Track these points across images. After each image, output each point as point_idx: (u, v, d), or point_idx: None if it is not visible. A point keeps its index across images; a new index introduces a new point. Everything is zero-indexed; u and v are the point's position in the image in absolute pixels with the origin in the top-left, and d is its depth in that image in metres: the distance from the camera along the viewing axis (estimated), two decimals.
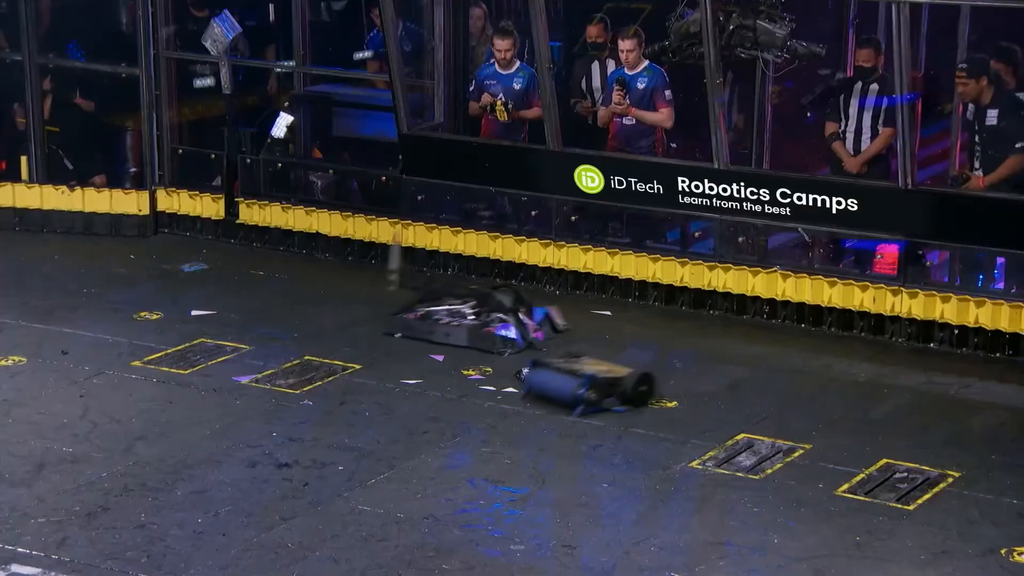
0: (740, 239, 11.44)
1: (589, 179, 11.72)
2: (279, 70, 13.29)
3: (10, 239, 12.77)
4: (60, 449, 8.82)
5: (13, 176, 13.20)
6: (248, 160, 12.96)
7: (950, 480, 8.67)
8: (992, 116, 10.68)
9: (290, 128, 12.96)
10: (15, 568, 7.48)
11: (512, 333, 10.60)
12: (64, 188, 13.05)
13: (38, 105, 13.07)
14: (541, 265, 12.06)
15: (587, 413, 9.47)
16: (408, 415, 9.56)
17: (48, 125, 13.15)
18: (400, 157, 12.49)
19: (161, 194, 13.17)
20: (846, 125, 11.31)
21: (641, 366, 9.97)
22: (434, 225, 12.35)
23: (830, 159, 11.50)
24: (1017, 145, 10.61)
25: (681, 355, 10.75)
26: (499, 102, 12.02)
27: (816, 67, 11.63)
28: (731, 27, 11.00)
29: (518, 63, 12.10)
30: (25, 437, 8.93)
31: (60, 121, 13.23)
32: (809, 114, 11.81)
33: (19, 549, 7.66)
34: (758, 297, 11.36)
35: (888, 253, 11.06)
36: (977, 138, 10.78)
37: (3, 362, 10.11)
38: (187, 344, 10.56)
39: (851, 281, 11.04)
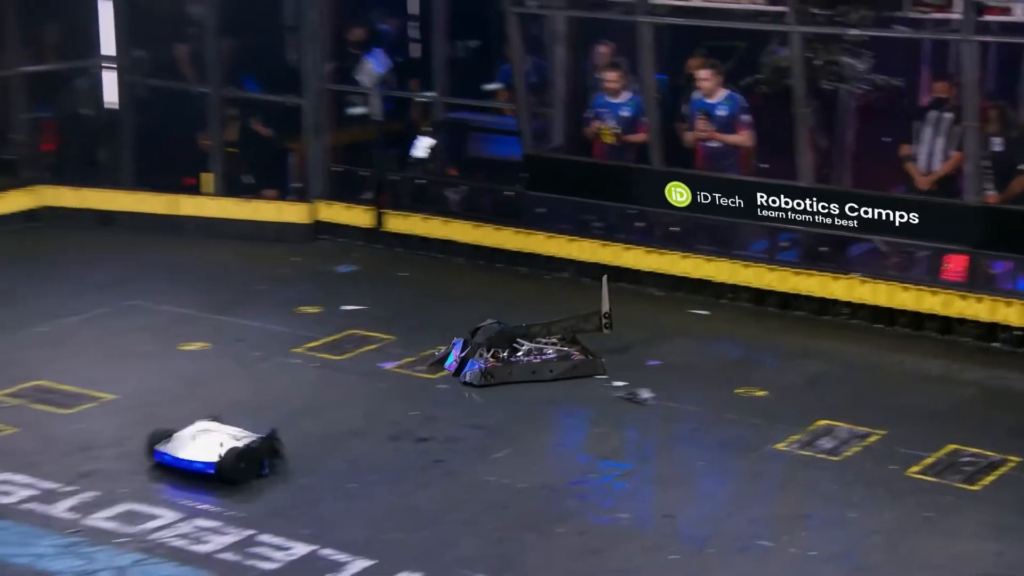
0: (821, 248, 11.21)
1: (678, 194, 11.58)
2: (421, 100, 13.32)
3: (195, 244, 12.94)
4: (236, 422, 8.89)
5: (198, 190, 13.39)
6: (394, 177, 13.01)
7: (1011, 464, 8.37)
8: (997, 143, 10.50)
9: (430, 149, 12.99)
10: (197, 521, 7.56)
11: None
12: (240, 200, 13.20)
13: (220, 130, 13.25)
14: (644, 269, 11.92)
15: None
16: (528, 398, 9.48)
17: (227, 147, 13.32)
18: (524, 175, 12.45)
19: (320, 206, 13.27)
20: (919, 148, 11.00)
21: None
22: (552, 234, 12.28)
23: (903, 177, 11.20)
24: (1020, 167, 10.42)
25: (769, 350, 10.55)
26: (607, 127, 11.95)
27: (894, 97, 11.34)
28: (818, 62, 10.80)
29: (627, 93, 11.98)
30: (207, 411, 9.01)
31: (239, 144, 13.41)
32: (886, 138, 11.54)
33: (200, 506, 7.73)
34: (838, 300, 11.11)
35: (956, 262, 10.75)
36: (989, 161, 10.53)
37: (190, 347, 10.23)
38: (340, 334, 10.60)
39: (923, 287, 10.75)
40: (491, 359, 9.56)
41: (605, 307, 9.81)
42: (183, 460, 7.99)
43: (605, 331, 9.83)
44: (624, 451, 8.76)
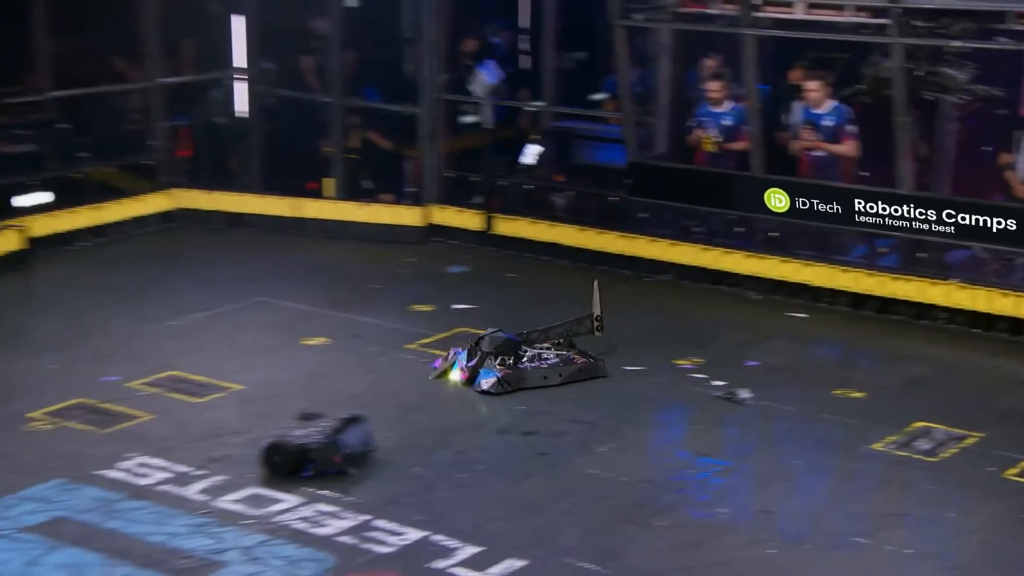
0: (920, 254, 10.98)
1: (777, 200, 11.44)
2: (530, 109, 13.36)
3: (317, 244, 13.13)
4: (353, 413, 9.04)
5: (319, 194, 13.61)
6: (503, 183, 13.07)
7: None
8: None
9: (538, 156, 13.02)
10: (318, 506, 7.66)
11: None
12: (359, 204, 13.38)
13: (342, 137, 13.45)
14: (743, 273, 11.79)
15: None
16: (631, 395, 9.46)
17: (348, 153, 13.52)
18: (627, 181, 12.41)
19: (434, 209, 13.38)
20: (1019, 157, 10.70)
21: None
22: (654, 238, 12.22)
23: (1002, 185, 10.91)
24: None
25: (866, 353, 10.36)
26: (708, 136, 11.86)
27: (994, 107, 11.06)
28: (919, 73, 10.58)
29: (729, 103, 11.87)
30: (327, 402, 9.14)
31: (359, 150, 13.59)
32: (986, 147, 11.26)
33: (320, 491, 7.85)
34: (935, 305, 10.86)
35: None
36: None
37: (311, 342, 10.40)
38: (451, 332, 10.65)
39: (1021, 293, 10.45)
40: (501, 367, 9.40)
41: (596, 310, 9.76)
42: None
43: (597, 334, 9.76)
44: (723, 448, 8.68)
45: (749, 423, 9.04)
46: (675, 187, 12.16)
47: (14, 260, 11.84)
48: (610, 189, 12.62)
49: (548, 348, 9.73)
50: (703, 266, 11.96)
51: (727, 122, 11.89)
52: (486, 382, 9.35)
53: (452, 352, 9.67)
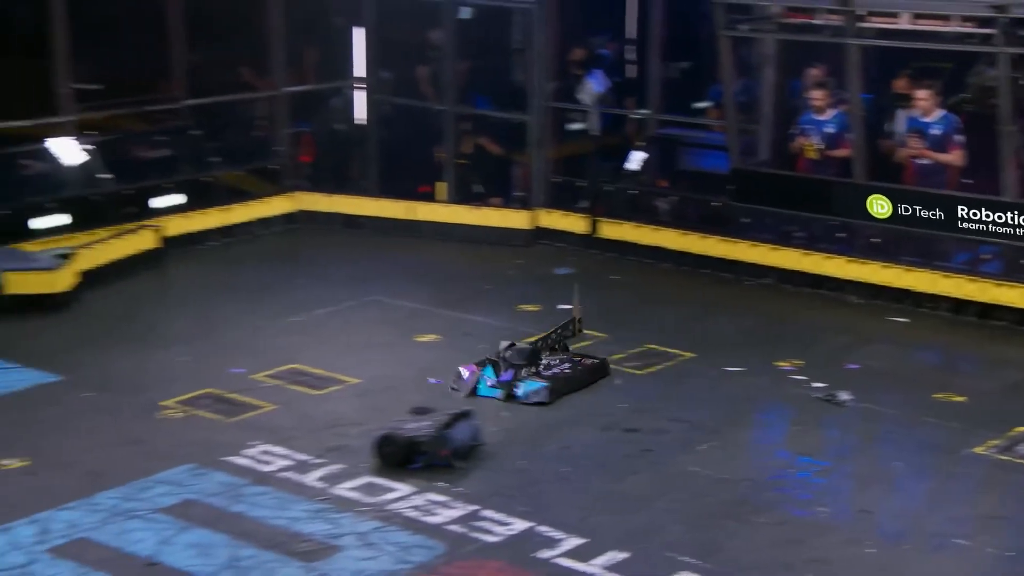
0: (1023, 261, 10.64)
1: (879, 206, 11.18)
2: (636, 117, 13.30)
3: (429, 245, 13.21)
4: (462, 407, 9.03)
5: (432, 197, 13.72)
6: (608, 188, 13.02)
7: None
8: None
9: (642, 162, 12.94)
10: (429, 495, 7.73)
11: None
12: (470, 207, 13.47)
13: (454, 143, 13.55)
14: (845, 278, 11.57)
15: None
16: (731, 395, 9.35)
17: (460, 159, 13.61)
18: (730, 187, 12.27)
19: (541, 213, 13.39)
20: None
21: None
22: (755, 243, 12.06)
23: None
24: None
25: (967, 358, 10.07)
26: (811, 143, 11.66)
27: None
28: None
29: (832, 111, 11.66)
30: (437, 397, 9.20)
31: (470, 156, 13.67)
32: None
33: (431, 482, 7.88)
34: None
35: None
36: None
37: (423, 339, 10.49)
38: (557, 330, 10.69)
39: None
40: (539, 377, 9.19)
41: (576, 313, 9.70)
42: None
43: (578, 333, 9.66)
44: (823, 449, 8.52)
45: (849, 424, 8.86)
46: (777, 193, 11.99)
47: (150, 258, 12.18)
48: (713, 194, 12.48)
49: (551, 355, 9.54)
50: (804, 270, 11.76)
51: (829, 129, 11.69)
52: (535, 394, 9.06)
53: (467, 372, 9.21)
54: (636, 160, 12.94)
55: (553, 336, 9.73)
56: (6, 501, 7.48)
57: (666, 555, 7.06)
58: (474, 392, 9.16)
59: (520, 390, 9.09)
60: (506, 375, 9.18)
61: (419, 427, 8.15)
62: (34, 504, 7.43)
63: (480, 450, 8.30)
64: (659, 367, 9.90)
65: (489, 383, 9.16)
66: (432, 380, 9.32)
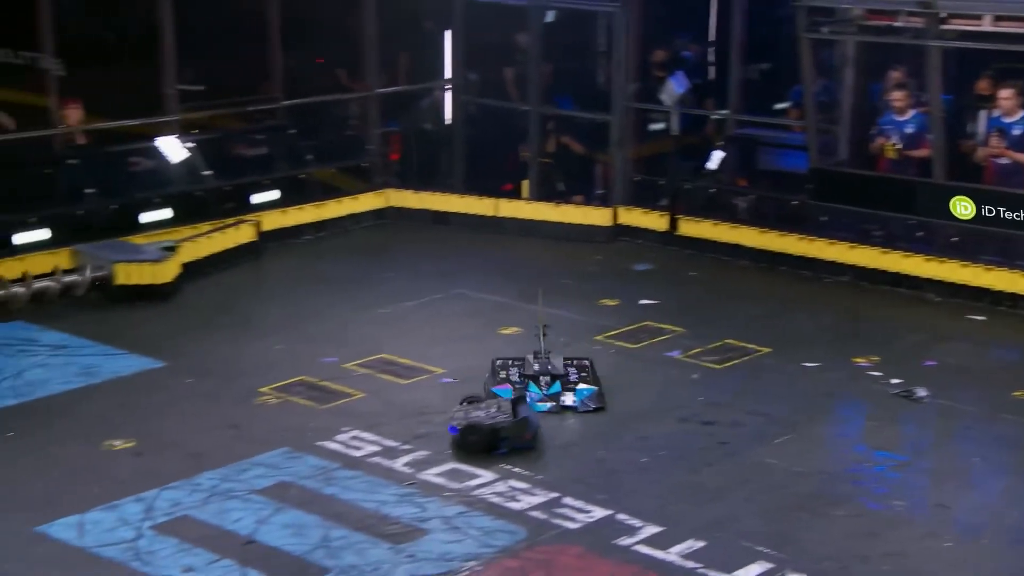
0: None
1: (963, 207, 10.93)
2: (716, 117, 13.18)
3: (513, 242, 13.22)
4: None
5: (516, 195, 13.76)
6: (688, 186, 12.93)
7: None
8: None
9: (722, 162, 12.83)
10: (511, 482, 7.74)
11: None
12: (552, 204, 13.47)
13: (538, 143, 13.56)
14: (923, 276, 11.34)
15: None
16: (808, 390, 9.22)
17: (543, 158, 13.62)
18: (809, 186, 12.11)
19: (621, 211, 13.33)
20: None
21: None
22: (833, 241, 11.88)
23: None
24: None
25: None
26: (890, 144, 11.45)
27: None
28: None
29: (912, 111, 11.43)
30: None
31: (553, 155, 13.68)
32: None
33: (514, 469, 7.91)
34: None
35: None
36: None
37: (506, 331, 10.53)
38: (635, 325, 10.61)
39: None
40: (583, 383, 8.92)
41: (542, 320, 9.37)
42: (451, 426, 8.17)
43: (545, 336, 9.25)
44: (899, 443, 8.37)
45: (926, 420, 8.69)
46: (856, 192, 11.79)
47: (248, 251, 12.41)
48: (791, 193, 12.33)
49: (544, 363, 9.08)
50: (882, 268, 11.55)
51: (909, 130, 11.48)
52: (590, 399, 8.79)
53: (501, 396, 8.61)
54: (715, 159, 12.83)
55: (543, 349, 9.18)
56: (115, 480, 7.69)
57: (742, 545, 7.00)
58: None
59: (569, 399, 8.81)
60: (551, 389, 8.83)
61: (492, 415, 8.16)
62: (140, 483, 7.63)
63: (560, 438, 8.31)
64: (736, 362, 9.81)
65: (536, 400, 8.78)
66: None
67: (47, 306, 10.76)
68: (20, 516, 7.21)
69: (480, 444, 8.08)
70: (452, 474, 7.84)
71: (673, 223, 12.92)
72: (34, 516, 7.21)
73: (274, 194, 13.01)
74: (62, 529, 7.08)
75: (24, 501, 7.40)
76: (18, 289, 10.66)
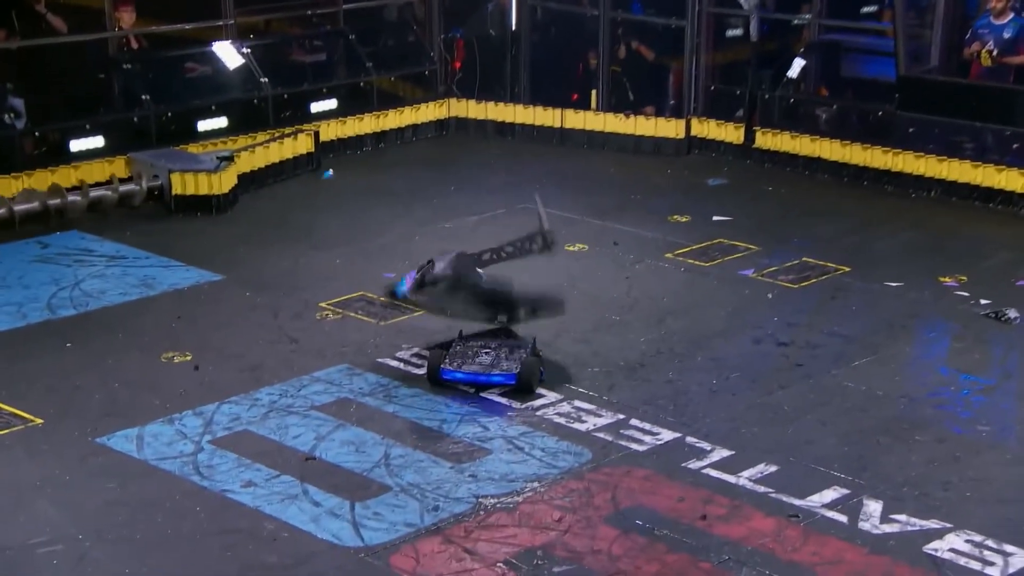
0: None
1: None
2: (797, 22, 12.83)
3: (579, 155, 13.15)
4: (610, 317, 9.08)
5: (584, 105, 13.59)
6: (766, 96, 12.67)
7: None
8: None
9: (802, 70, 12.53)
10: (577, 403, 7.79)
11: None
12: (622, 115, 13.30)
13: (608, 50, 13.34)
14: (1017, 191, 11.04)
15: None
16: (890, 310, 9.08)
17: (613, 66, 13.41)
18: (896, 95, 11.78)
19: (694, 122, 13.13)
20: None
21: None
22: (922, 154, 11.60)
23: None
24: None
25: None
26: (985, 49, 11.06)
27: None
28: None
29: (1011, 14, 11.01)
30: (586, 305, 9.25)
31: (623, 63, 13.46)
32: None
33: (579, 389, 7.96)
34: None
35: None
36: None
37: (571, 248, 10.48)
38: (708, 242, 10.50)
39: None
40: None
41: (545, 224, 8.26)
42: (480, 375, 7.83)
43: (548, 251, 8.29)
44: (986, 366, 8.22)
45: (1016, 343, 8.52)
46: (947, 102, 11.45)
47: (307, 162, 12.44)
48: (877, 103, 12.05)
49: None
50: (973, 183, 11.28)
51: (1007, 35, 11.08)
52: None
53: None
54: (796, 67, 12.53)
55: (510, 248, 8.30)
56: (173, 393, 7.84)
57: (816, 469, 6.96)
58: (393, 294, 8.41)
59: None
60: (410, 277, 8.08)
61: (511, 350, 7.86)
62: (199, 397, 7.77)
63: (628, 359, 8.25)
64: (814, 281, 9.68)
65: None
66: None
67: (102, 215, 10.92)
68: (79, 428, 7.40)
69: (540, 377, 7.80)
70: (515, 394, 7.87)
71: (750, 135, 12.71)
72: (93, 428, 7.38)
73: (332, 103, 12.98)
74: (121, 441, 7.25)
75: (83, 413, 7.58)
76: (75, 197, 10.82)
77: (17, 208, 10.57)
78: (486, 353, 8.01)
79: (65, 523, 6.45)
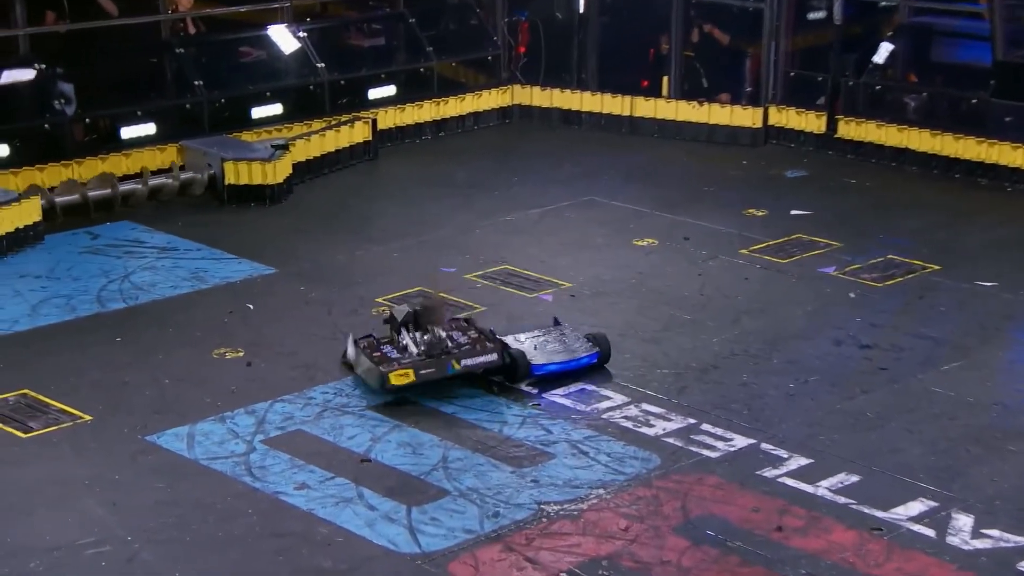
0: None
1: None
2: (885, 3, 12.67)
3: (649, 143, 13.12)
4: (681, 316, 9.03)
5: (655, 93, 13.54)
6: (850, 82, 12.53)
7: None
8: None
9: (890, 55, 12.38)
10: (645, 406, 7.78)
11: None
12: (695, 103, 13.23)
13: (680, 34, 13.28)
14: None
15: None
16: (982, 312, 8.95)
17: (685, 51, 13.35)
18: (992, 82, 11.60)
19: (772, 110, 13.04)
20: None
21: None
22: (1018, 144, 11.42)
23: None
24: None
25: None
26: None
27: None
28: None
29: None
30: (655, 304, 9.22)
31: (697, 47, 13.39)
32: None
33: (648, 392, 7.94)
34: None
35: None
36: None
37: (640, 243, 10.45)
38: (786, 238, 10.43)
39: None
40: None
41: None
42: (568, 363, 7.97)
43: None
44: None
45: None
46: None
47: (364, 151, 12.53)
48: (970, 90, 11.88)
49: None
50: None
51: None
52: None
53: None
54: (883, 52, 12.40)
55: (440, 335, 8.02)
56: (225, 390, 7.94)
57: (901, 479, 6.88)
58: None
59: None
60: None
61: (565, 335, 8.19)
62: (251, 395, 7.86)
63: (700, 360, 8.23)
64: (900, 279, 9.57)
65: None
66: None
67: (153, 206, 11.09)
68: (128, 425, 7.52)
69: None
70: (581, 396, 7.87)
71: (832, 124, 12.59)
72: (143, 425, 7.51)
73: (391, 89, 13.07)
74: (172, 440, 7.36)
75: (132, 410, 7.71)
76: (136, 186, 10.99)
77: (90, 194, 10.70)
78: (549, 343, 8.12)
79: (114, 524, 6.57)
